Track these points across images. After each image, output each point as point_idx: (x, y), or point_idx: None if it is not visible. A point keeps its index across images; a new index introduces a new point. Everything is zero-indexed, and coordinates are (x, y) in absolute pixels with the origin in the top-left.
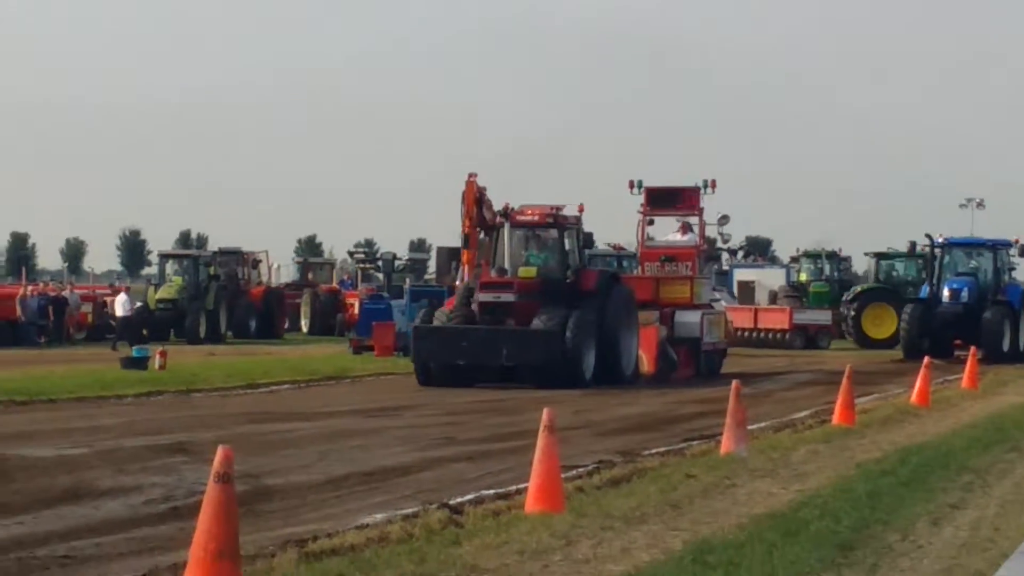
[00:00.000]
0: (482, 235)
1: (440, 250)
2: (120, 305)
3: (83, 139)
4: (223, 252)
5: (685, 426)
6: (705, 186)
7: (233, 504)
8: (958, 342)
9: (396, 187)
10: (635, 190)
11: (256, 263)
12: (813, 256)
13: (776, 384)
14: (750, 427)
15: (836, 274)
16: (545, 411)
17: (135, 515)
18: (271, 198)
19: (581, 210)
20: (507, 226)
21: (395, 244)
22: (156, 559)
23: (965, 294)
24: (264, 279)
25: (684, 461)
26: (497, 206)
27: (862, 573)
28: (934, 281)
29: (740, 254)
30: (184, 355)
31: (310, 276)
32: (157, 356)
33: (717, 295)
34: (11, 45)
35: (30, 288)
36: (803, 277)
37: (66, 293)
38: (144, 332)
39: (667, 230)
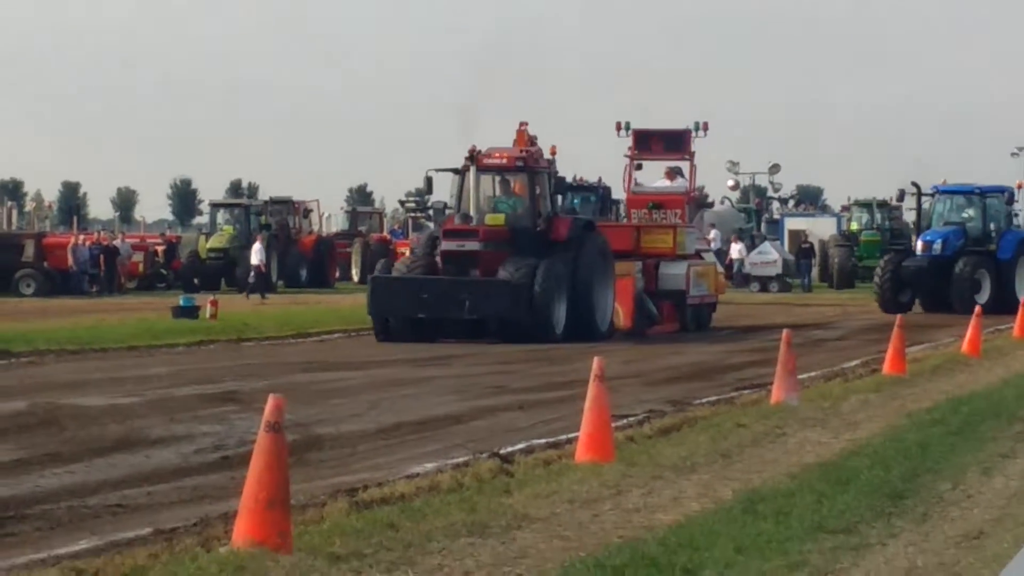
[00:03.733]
0: None
1: None
2: (255, 254)
3: (133, 87)
4: (274, 201)
5: (736, 375)
6: (697, 128)
7: (284, 453)
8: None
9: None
10: (622, 132)
11: (307, 212)
12: (864, 205)
13: (827, 333)
14: (801, 376)
15: (887, 223)
16: (595, 360)
17: (186, 464)
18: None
19: (553, 152)
20: (473, 169)
21: (446, 193)
22: (207, 508)
23: (939, 246)
24: (315, 228)
25: (734, 410)
26: (483, 145)
27: (912, 522)
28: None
29: (791, 203)
30: (235, 304)
31: (359, 225)
32: (208, 305)
33: (709, 245)
34: None
35: (82, 237)
36: (854, 227)
37: (117, 242)
38: (195, 281)
39: (656, 176)
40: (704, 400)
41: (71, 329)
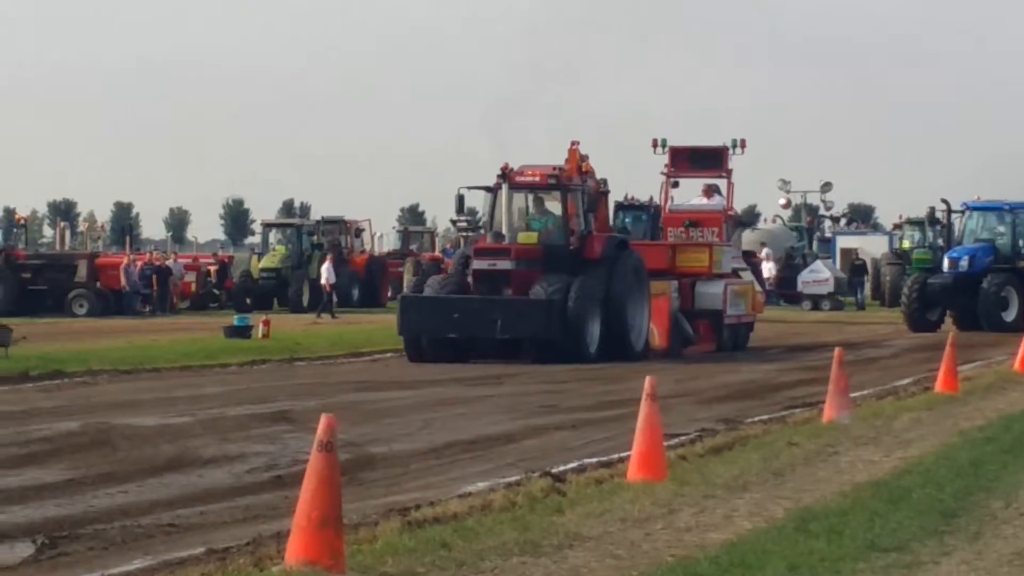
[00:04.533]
0: None
1: None
2: (324, 273)
3: (188, 108)
4: (326, 221)
5: (787, 394)
6: (735, 146)
7: (336, 473)
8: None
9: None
10: (659, 149)
11: (359, 232)
12: (916, 223)
13: (879, 351)
14: (852, 394)
15: (939, 240)
16: (647, 379)
17: (239, 484)
18: (375, 167)
19: (588, 170)
20: (505, 187)
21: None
22: (259, 527)
23: (965, 263)
24: (367, 248)
25: (786, 429)
26: (515, 163)
27: (965, 541)
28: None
29: (843, 221)
30: (287, 324)
31: (412, 246)
32: (261, 325)
33: (761, 263)
34: (116, 8)
35: (134, 257)
36: (906, 244)
37: (170, 262)
38: (248, 301)
39: (693, 193)
40: (756, 419)
41: (124, 349)
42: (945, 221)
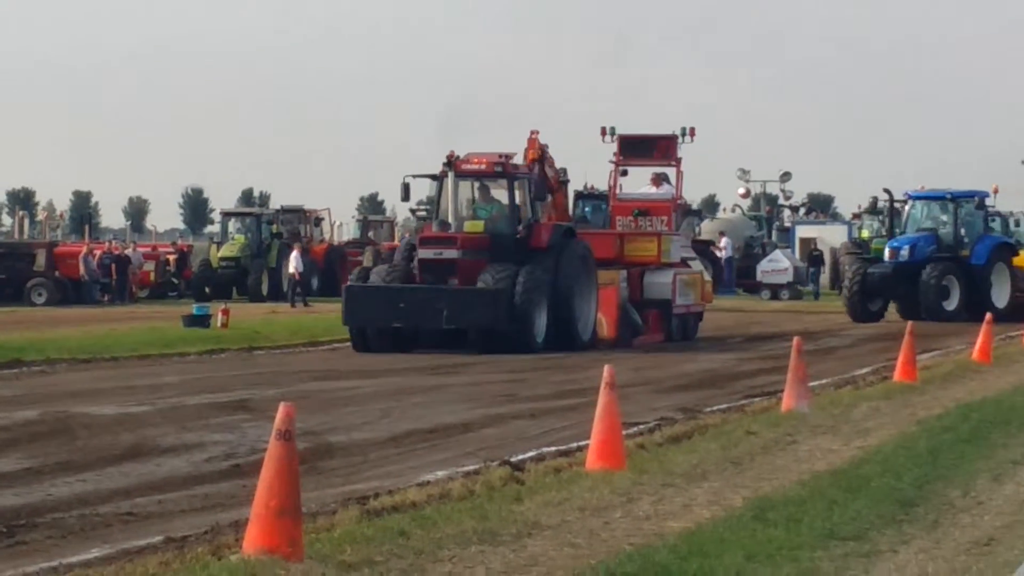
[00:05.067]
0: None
1: None
2: (292, 262)
3: (145, 97)
4: (285, 210)
5: (746, 383)
6: (684, 134)
7: (295, 461)
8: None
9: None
10: (608, 137)
11: (318, 221)
12: (876, 212)
13: (838, 340)
14: (811, 384)
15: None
16: (606, 368)
17: (197, 472)
18: (334, 156)
19: (548, 160)
20: (451, 175)
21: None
22: (218, 516)
23: (906, 252)
24: (326, 237)
25: (745, 418)
26: (462, 150)
27: (923, 529)
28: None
29: (802, 211)
30: (246, 312)
31: (371, 234)
32: (219, 314)
33: (693, 253)
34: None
35: (93, 246)
36: (865, 234)
37: (129, 251)
38: (207, 290)
39: (642, 182)
40: (715, 408)
41: (82, 338)
42: (887, 211)
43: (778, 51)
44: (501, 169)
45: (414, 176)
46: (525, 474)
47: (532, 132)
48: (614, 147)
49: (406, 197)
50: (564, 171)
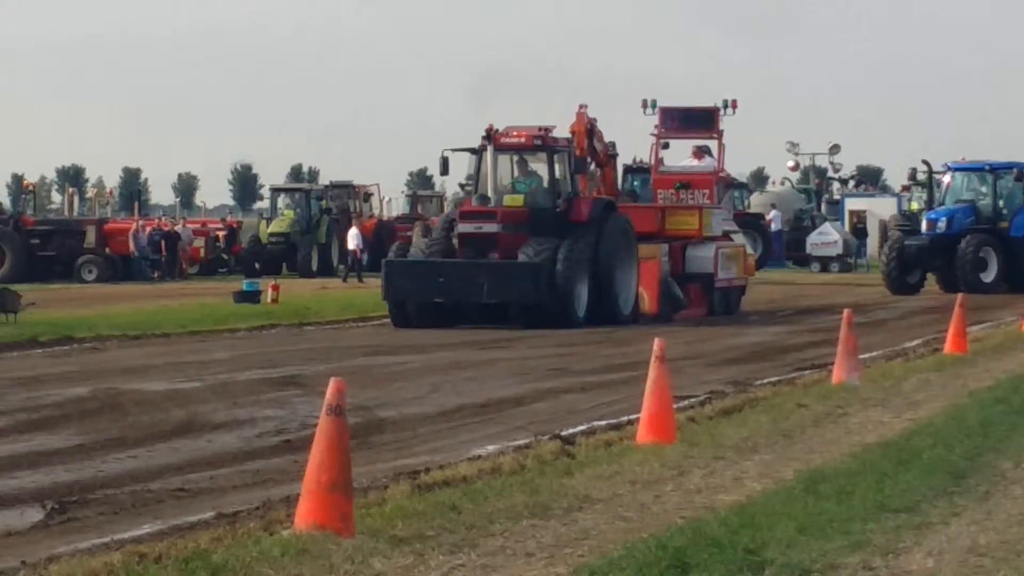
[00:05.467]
0: (593, 167)
1: None
2: (351, 239)
3: (194, 73)
4: (334, 185)
5: (797, 355)
6: (726, 106)
7: (345, 436)
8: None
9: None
10: (649, 110)
11: (367, 196)
12: (917, 184)
13: (888, 313)
14: (862, 356)
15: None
16: (657, 341)
17: (248, 448)
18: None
19: (573, 131)
20: (490, 149)
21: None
22: (269, 491)
23: (943, 224)
24: (376, 212)
25: (796, 391)
26: (499, 123)
27: (974, 501)
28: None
29: (851, 183)
30: (296, 288)
31: (420, 209)
32: (270, 290)
33: (735, 226)
34: None
35: (143, 223)
36: (915, 206)
37: (178, 228)
38: (256, 266)
39: (684, 154)
40: (765, 381)
41: (133, 315)
42: (926, 183)
43: (828, 21)
44: (541, 142)
45: (453, 150)
46: (576, 448)
47: (580, 107)
48: (655, 119)
49: (445, 171)
50: (613, 145)
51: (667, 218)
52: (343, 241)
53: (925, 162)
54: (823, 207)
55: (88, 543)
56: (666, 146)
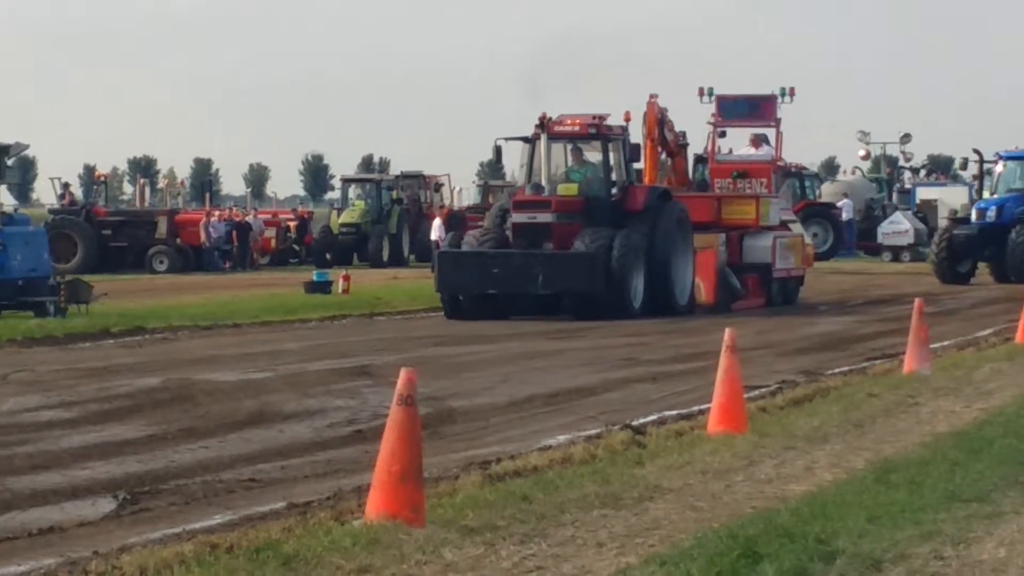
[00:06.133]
0: (664, 156)
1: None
2: (435, 230)
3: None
4: (405, 176)
5: (868, 345)
6: (783, 94)
7: (416, 426)
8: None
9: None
10: (705, 98)
11: (438, 186)
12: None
13: (959, 302)
14: (933, 345)
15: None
16: (727, 331)
17: (319, 438)
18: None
19: (627, 119)
20: (543, 137)
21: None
22: (340, 482)
23: (992, 213)
24: (446, 202)
25: (866, 380)
26: (552, 112)
27: None
28: None
29: (922, 172)
30: (367, 278)
31: (491, 198)
32: (340, 280)
33: (793, 215)
34: None
35: (215, 214)
36: (985, 195)
37: (249, 218)
38: (327, 256)
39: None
40: (836, 370)
41: (204, 305)
42: (977, 172)
43: (902, 10)
44: (595, 130)
45: (506, 139)
46: (646, 438)
47: (651, 96)
48: (712, 107)
49: (498, 159)
50: (683, 134)
51: (724, 207)
52: (414, 231)
53: (976, 151)
54: (894, 196)
55: (160, 533)
56: (723, 134)
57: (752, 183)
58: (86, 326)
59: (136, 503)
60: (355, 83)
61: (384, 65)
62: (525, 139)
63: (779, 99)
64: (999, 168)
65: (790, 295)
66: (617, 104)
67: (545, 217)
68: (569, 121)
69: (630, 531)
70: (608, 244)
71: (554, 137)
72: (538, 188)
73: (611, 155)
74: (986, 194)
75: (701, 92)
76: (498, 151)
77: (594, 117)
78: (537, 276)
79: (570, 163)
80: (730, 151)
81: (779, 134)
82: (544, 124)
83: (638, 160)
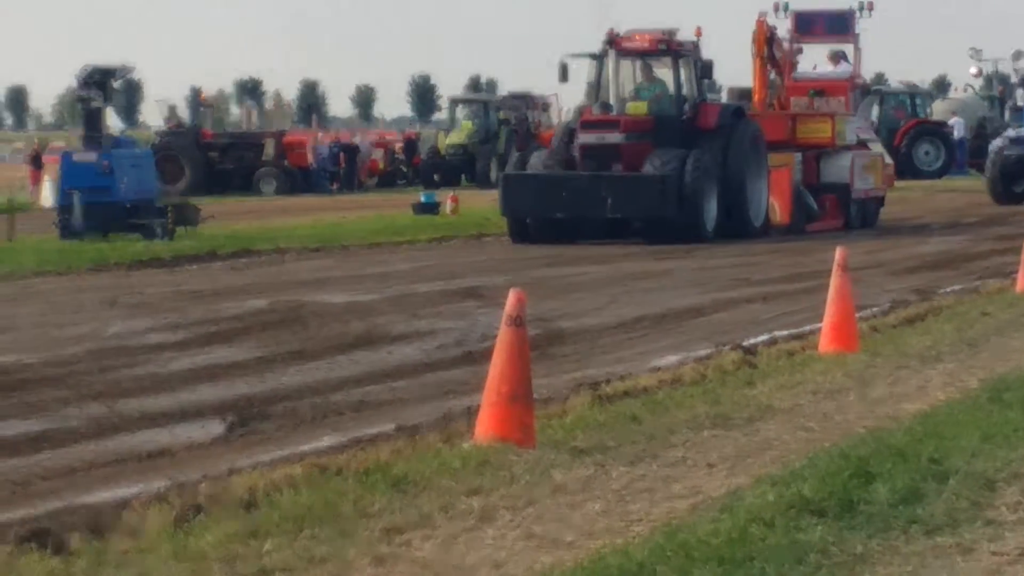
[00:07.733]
0: (773, 75)
1: (732, 90)
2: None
3: None
4: (513, 96)
5: (981, 263)
6: (862, 8)
7: (525, 347)
8: None
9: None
10: (780, 13)
11: (546, 106)
12: None
13: None
14: None
15: None
16: (838, 250)
17: (428, 360)
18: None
19: (699, 35)
20: (611, 54)
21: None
22: (450, 403)
23: None
24: (554, 122)
25: (980, 299)
26: (605, 26)
27: None
28: None
29: None
30: (475, 200)
31: None
32: (448, 201)
33: (873, 135)
34: None
35: (321, 135)
36: None
37: (357, 140)
38: (435, 177)
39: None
40: (949, 289)
41: (312, 227)
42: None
43: None
44: (665, 47)
45: (573, 56)
46: (757, 358)
47: (760, 15)
48: (788, 24)
49: (564, 78)
50: (607, 39)
51: (798, 126)
52: (520, 151)
53: None
54: (1006, 114)
55: (268, 456)
56: (800, 51)
57: (829, 101)
58: (194, 248)
59: (245, 425)
60: (461, 3)
61: None
62: (593, 56)
63: (857, 14)
64: None
65: (869, 217)
66: (688, 20)
67: (614, 137)
68: (638, 37)
69: (741, 451)
70: (680, 166)
71: (622, 54)
72: (606, 107)
73: (682, 72)
74: None
75: (776, 7)
76: (563, 69)
77: (663, 32)
78: (606, 199)
79: (639, 80)
80: (814, 67)
81: (857, 50)
82: (612, 40)
83: (710, 77)
